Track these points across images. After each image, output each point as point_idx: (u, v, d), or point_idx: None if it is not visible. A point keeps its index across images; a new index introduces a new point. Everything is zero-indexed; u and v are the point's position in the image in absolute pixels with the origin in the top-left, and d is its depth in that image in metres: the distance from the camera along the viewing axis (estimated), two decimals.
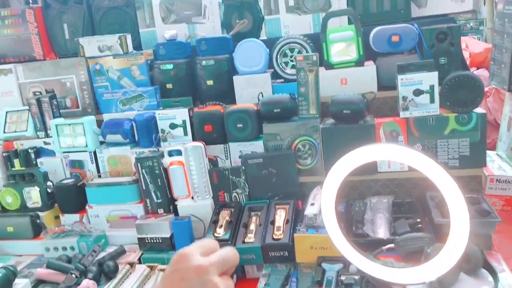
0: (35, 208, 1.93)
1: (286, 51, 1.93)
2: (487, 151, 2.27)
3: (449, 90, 1.62)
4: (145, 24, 2.18)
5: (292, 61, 1.92)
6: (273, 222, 1.65)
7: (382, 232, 1.54)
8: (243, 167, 1.78)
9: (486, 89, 2.94)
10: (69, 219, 1.90)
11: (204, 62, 1.97)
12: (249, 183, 1.79)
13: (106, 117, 2.00)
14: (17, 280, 1.53)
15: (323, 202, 1.19)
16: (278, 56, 1.94)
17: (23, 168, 1.98)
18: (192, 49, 2.06)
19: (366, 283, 1.35)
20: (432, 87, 1.63)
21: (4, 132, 2.05)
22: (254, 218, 1.71)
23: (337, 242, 1.23)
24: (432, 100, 1.64)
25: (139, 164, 1.80)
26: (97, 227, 1.86)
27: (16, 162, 2.01)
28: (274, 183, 1.77)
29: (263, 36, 2.14)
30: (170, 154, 1.82)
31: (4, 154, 2.02)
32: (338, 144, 1.71)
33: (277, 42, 1.93)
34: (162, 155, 1.81)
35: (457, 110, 1.63)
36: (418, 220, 1.58)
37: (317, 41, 1.90)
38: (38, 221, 1.87)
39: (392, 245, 1.46)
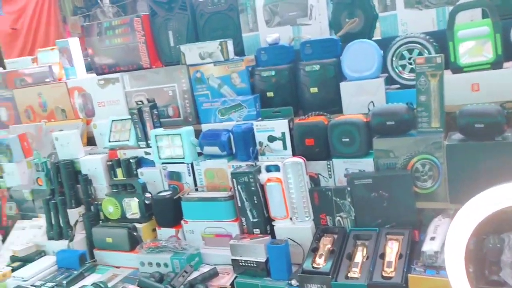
0: (134, 219, 1.90)
1: (404, 53, 1.65)
2: None
3: None
4: (248, 28, 2.05)
5: (410, 64, 1.64)
6: (383, 256, 1.40)
7: None
8: (349, 188, 1.55)
9: None
10: (165, 233, 1.84)
11: (308, 68, 1.77)
12: (356, 206, 1.56)
13: (204, 127, 1.90)
14: None
15: (449, 241, 0.93)
16: (394, 58, 1.67)
17: (124, 179, 1.97)
18: (296, 53, 1.88)
19: None
20: None
21: (109, 141, 2.07)
22: (360, 248, 1.47)
23: None
24: None
25: (234, 180, 1.66)
26: (192, 243, 1.77)
27: (119, 171, 2.01)
28: (386, 208, 1.51)
29: (377, 36, 1.88)
30: (268, 169, 1.65)
31: (108, 163, 2.03)
32: (467, 165, 1.40)
33: (393, 42, 1.67)
34: (259, 171, 1.66)
35: None
36: None
37: (442, 40, 1.60)
38: (135, 233, 1.84)
39: None
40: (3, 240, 2.18)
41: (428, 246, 1.32)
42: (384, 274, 1.34)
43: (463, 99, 1.51)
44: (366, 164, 1.56)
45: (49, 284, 1.73)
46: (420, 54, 1.62)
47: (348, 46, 1.71)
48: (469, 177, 1.39)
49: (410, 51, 1.64)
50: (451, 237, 0.93)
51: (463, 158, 1.41)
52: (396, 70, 1.68)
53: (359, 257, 1.44)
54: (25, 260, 1.92)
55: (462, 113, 1.40)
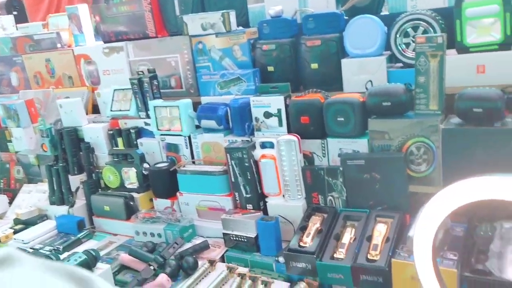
0: (132, 189, 1.92)
1: (408, 30, 1.59)
2: None
3: None
4: None
5: (414, 42, 1.58)
6: (370, 238, 1.38)
7: None
8: (342, 168, 1.53)
9: None
10: (161, 204, 1.86)
11: (309, 43, 1.72)
12: (348, 187, 1.53)
13: (204, 100, 1.89)
14: (99, 265, 1.52)
15: (419, 226, 0.90)
16: (398, 35, 1.61)
17: (123, 149, 1.98)
18: (299, 27, 1.83)
19: None
20: None
21: (111, 110, 2.08)
22: (349, 230, 1.46)
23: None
24: None
25: (228, 155, 1.66)
26: (187, 215, 1.79)
27: (120, 141, 2.02)
28: (378, 191, 1.49)
29: (386, 11, 1.81)
30: (263, 146, 1.64)
31: (109, 132, 2.04)
32: (463, 151, 1.35)
33: (397, 18, 1.60)
34: (254, 147, 1.64)
35: None
36: None
37: (450, 17, 1.52)
38: (131, 203, 1.87)
39: None
40: (10, 203, 2.25)
41: (414, 231, 1.29)
42: (369, 256, 1.33)
43: (468, 81, 1.45)
44: (361, 145, 1.53)
45: (47, 248, 1.77)
46: (425, 32, 1.55)
47: (350, 21, 1.65)
48: (464, 162, 1.35)
49: (415, 28, 1.58)
50: (421, 222, 0.90)
51: (459, 143, 1.36)
52: (400, 48, 1.61)
53: (346, 238, 1.43)
54: (28, 223, 1.97)
55: (461, 96, 1.35)
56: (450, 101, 1.44)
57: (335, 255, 1.38)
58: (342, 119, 1.52)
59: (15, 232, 1.92)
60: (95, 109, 2.33)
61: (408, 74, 1.54)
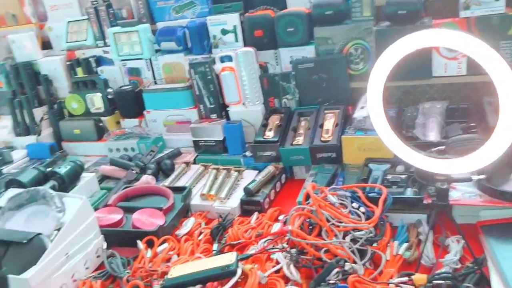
0: (98, 113, 2.05)
1: None
2: None
3: None
4: None
5: None
6: (322, 126, 1.67)
7: (433, 135, 1.52)
8: (294, 72, 1.78)
9: None
10: (128, 124, 2.02)
11: None
12: (300, 88, 1.79)
13: (160, 25, 2.03)
14: (84, 174, 1.68)
15: (370, 96, 1.18)
16: None
17: (86, 75, 2.09)
18: None
19: (413, 181, 1.36)
20: None
21: (67, 42, 2.15)
22: (303, 123, 1.73)
23: (383, 135, 1.23)
24: None
25: (192, 70, 1.84)
26: (155, 131, 1.96)
27: (79, 70, 2.12)
28: (325, 89, 1.76)
29: None
30: (222, 60, 1.84)
31: (67, 63, 2.13)
32: None
33: None
34: (214, 62, 1.84)
35: None
36: (473, 124, 1.53)
37: None
38: (101, 124, 2.00)
39: (442, 147, 1.43)
40: None
41: (358, 113, 1.59)
42: (322, 139, 1.61)
43: None
44: (309, 52, 1.78)
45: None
46: None
47: None
48: None
49: None
50: (372, 79, 1.15)
51: (389, 41, 1.64)
52: None
53: (302, 129, 1.70)
54: None
55: (388, 2, 1.63)
56: (380, 11, 1.73)
57: (294, 142, 1.65)
58: (292, 29, 1.76)
59: None
60: (44, 46, 2.36)
61: None
